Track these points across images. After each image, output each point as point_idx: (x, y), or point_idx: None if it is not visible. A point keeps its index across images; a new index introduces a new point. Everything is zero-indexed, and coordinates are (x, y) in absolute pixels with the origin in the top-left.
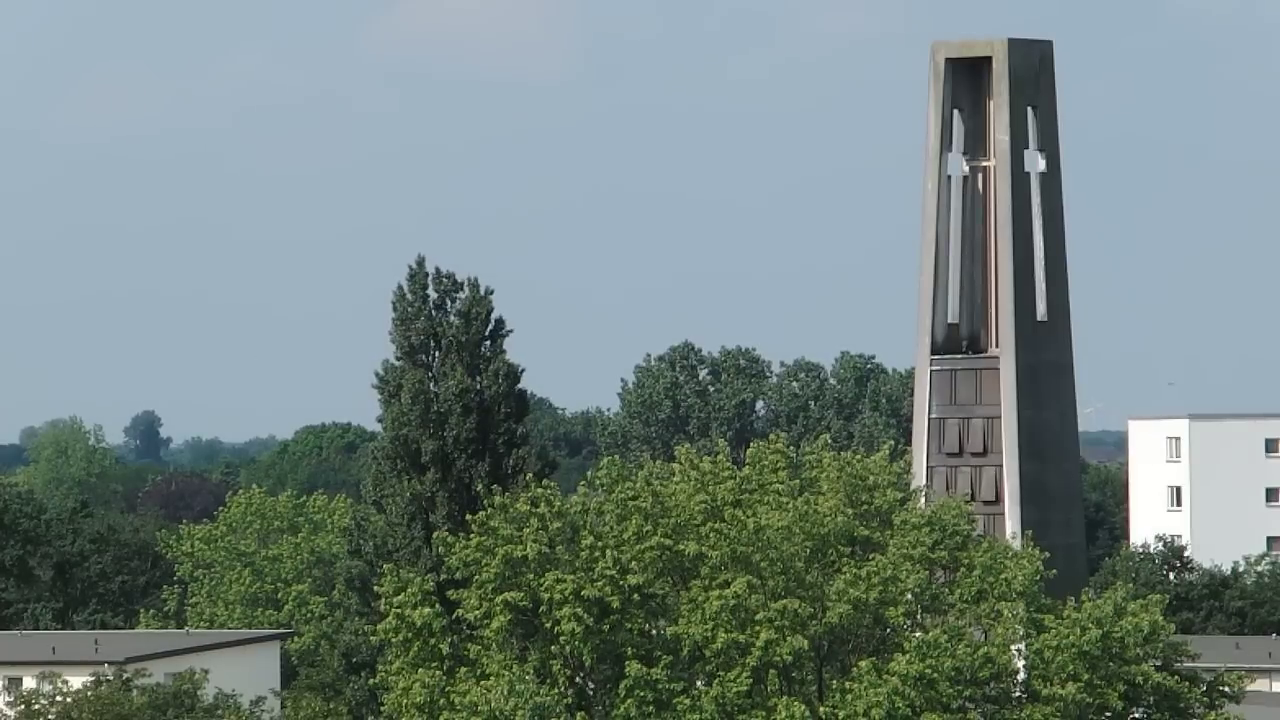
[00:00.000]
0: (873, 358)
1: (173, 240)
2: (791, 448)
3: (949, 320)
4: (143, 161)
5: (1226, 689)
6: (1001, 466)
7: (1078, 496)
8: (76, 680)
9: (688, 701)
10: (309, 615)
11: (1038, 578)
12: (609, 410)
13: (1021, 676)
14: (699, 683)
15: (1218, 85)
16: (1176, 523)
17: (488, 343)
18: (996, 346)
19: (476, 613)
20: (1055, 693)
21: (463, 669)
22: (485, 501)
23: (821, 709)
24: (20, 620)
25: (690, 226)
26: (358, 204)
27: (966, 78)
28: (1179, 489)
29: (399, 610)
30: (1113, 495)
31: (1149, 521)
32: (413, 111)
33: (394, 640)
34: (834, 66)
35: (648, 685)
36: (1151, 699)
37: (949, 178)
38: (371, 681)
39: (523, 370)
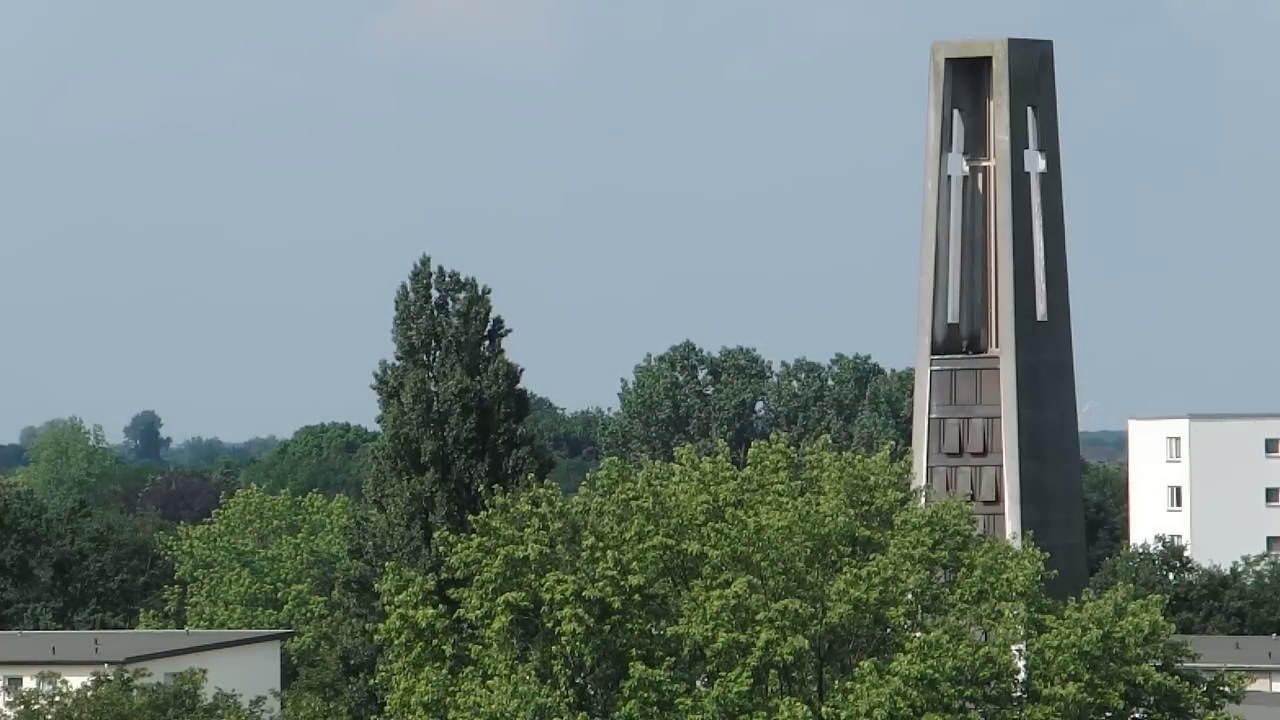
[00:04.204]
0: (868, 358)
1: (172, 240)
2: (792, 448)
3: (949, 320)
4: (142, 161)
5: (1226, 689)
6: (1001, 466)
7: (1078, 496)
8: (76, 680)
9: (689, 702)
10: (309, 615)
11: (1038, 578)
12: (609, 410)
13: (1022, 676)
14: (699, 683)
15: (1218, 85)
16: (1176, 523)
17: (487, 342)
18: (996, 346)
19: (478, 613)
20: (1056, 693)
21: (466, 669)
22: (486, 501)
23: (823, 709)
24: (20, 620)
25: (690, 226)
26: (357, 204)
27: (966, 78)
28: (1179, 489)
29: (401, 610)
30: (1113, 495)
31: (1149, 521)
32: (412, 111)
33: (396, 641)
34: (834, 66)
35: (651, 686)
36: (1152, 699)
37: (949, 178)
38: (371, 681)
39: (522, 370)
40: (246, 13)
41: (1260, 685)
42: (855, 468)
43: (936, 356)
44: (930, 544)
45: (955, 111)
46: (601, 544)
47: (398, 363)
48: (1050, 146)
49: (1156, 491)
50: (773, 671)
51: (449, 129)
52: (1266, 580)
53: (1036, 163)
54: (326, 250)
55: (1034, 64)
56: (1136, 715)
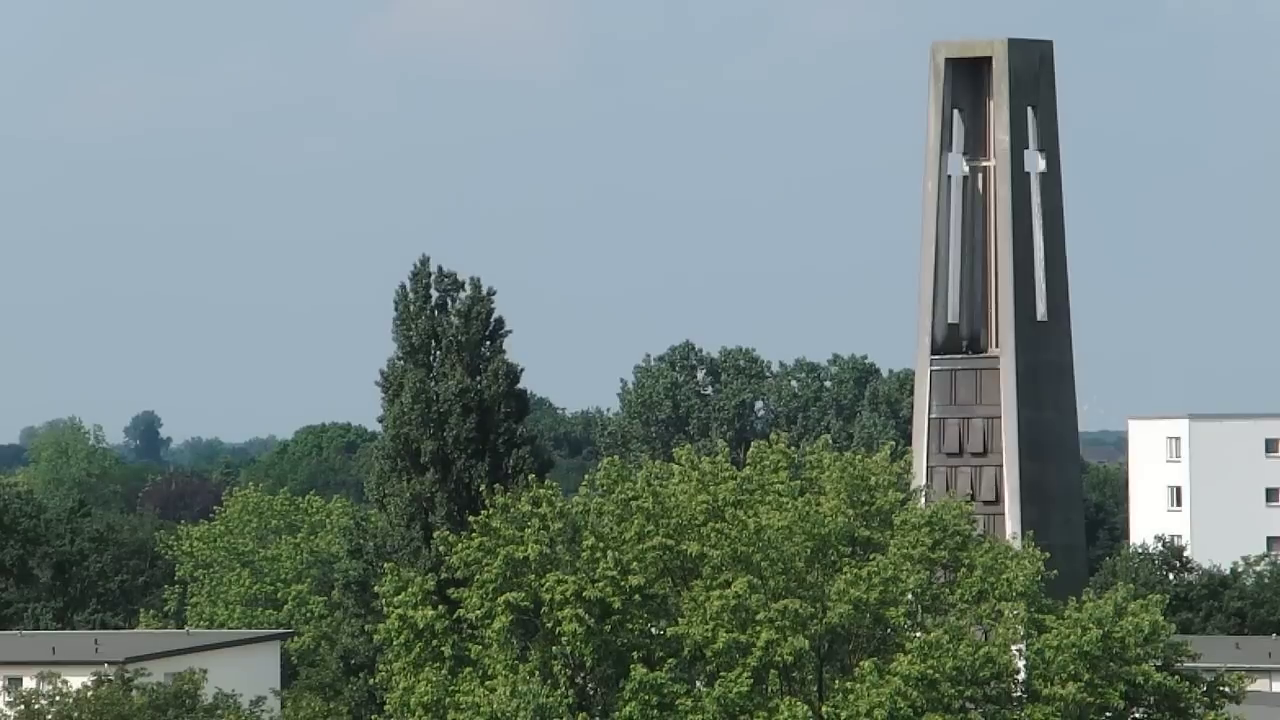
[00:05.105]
0: (864, 358)
1: (172, 240)
2: (792, 448)
3: (949, 320)
4: (142, 161)
5: (1226, 689)
6: (1001, 466)
7: (1078, 496)
8: (76, 680)
9: (690, 702)
10: (309, 615)
11: (1038, 578)
12: (609, 410)
13: (1022, 676)
14: (700, 683)
15: (1217, 85)
16: (1176, 523)
17: (488, 343)
18: (996, 346)
19: (478, 613)
20: (1056, 693)
21: (466, 669)
22: (487, 501)
23: (823, 709)
24: (20, 620)
25: (690, 226)
26: (357, 204)
27: (966, 78)
28: (1179, 489)
29: (400, 611)
30: (1113, 495)
31: (1149, 521)
32: (413, 111)
33: (396, 641)
34: (833, 66)
35: (652, 689)
36: (1152, 699)
37: (949, 178)
38: (371, 681)
39: (522, 370)
40: (246, 13)
41: (1260, 685)
42: (855, 468)
43: (936, 356)
44: (930, 544)
45: (955, 111)
46: (601, 544)
47: (399, 362)
48: (1050, 146)
49: (1156, 491)
50: (773, 671)
51: (449, 129)
52: (1266, 580)
53: (1036, 163)
54: (326, 250)
55: (1034, 64)
56: (1136, 715)
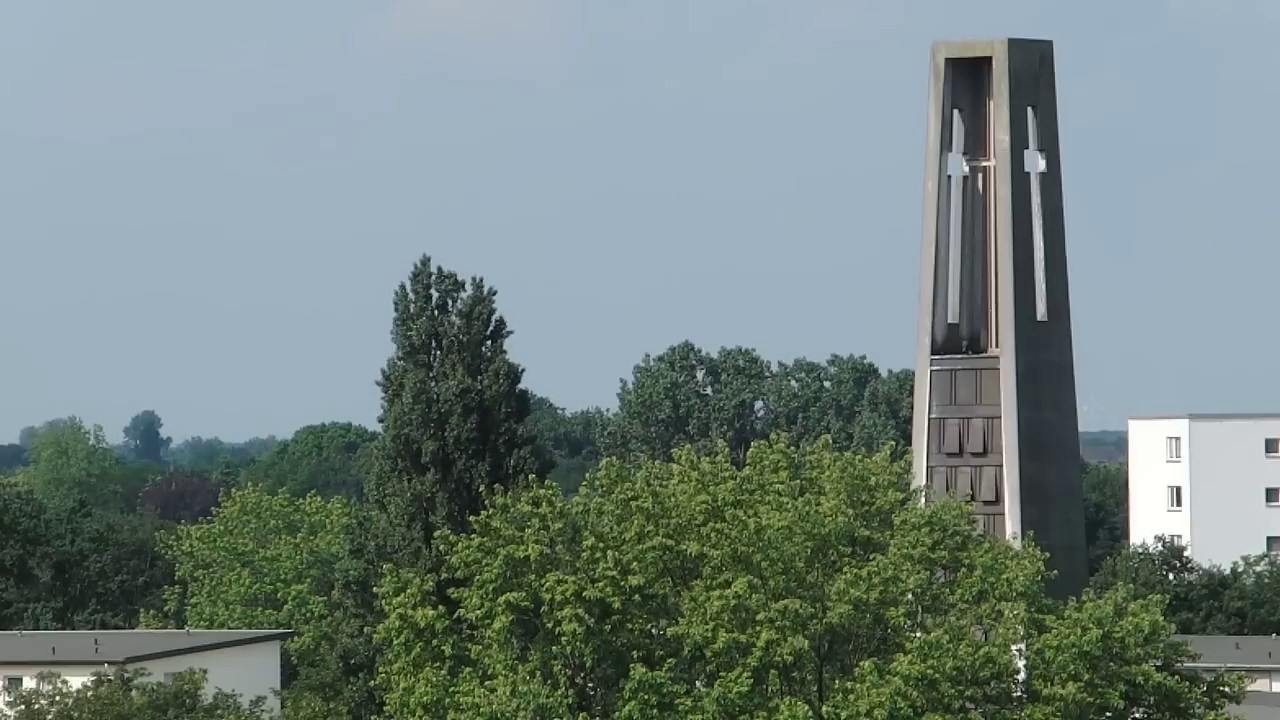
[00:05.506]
0: (864, 358)
1: (172, 240)
2: (791, 448)
3: (949, 320)
4: (142, 161)
5: (1226, 689)
6: (1001, 466)
7: (1078, 496)
8: (76, 680)
9: (689, 702)
10: (309, 615)
11: (1038, 578)
12: (609, 410)
13: (1022, 676)
14: (699, 683)
15: (1218, 85)
16: (1176, 523)
17: (488, 343)
18: (996, 346)
19: (478, 613)
20: (1056, 693)
21: (465, 669)
22: (487, 501)
23: (823, 709)
24: (20, 620)
25: (690, 226)
26: (357, 204)
27: (966, 78)
28: (1179, 489)
29: (400, 611)
30: (1113, 495)
31: (1149, 521)
32: (413, 111)
33: (396, 641)
34: (833, 66)
35: (652, 689)
36: (1152, 699)
37: (949, 178)
38: (371, 682)
39: (523, 370)
40: (246, 13)
41: (1260, 685)
42: (855, 468)
43: (936, 356)
44: (930, 544)
45: (955, 111)
46: (601, 544)
47: (400, 362)
48: (1050, 146)
49: (1156, 491)
50: (773, 672)
51: (449, 129)
52: (1266, 580)
53: (1036, 163)
54: (326, 250)
55: (1034, 64)
56: (1136, 715)
